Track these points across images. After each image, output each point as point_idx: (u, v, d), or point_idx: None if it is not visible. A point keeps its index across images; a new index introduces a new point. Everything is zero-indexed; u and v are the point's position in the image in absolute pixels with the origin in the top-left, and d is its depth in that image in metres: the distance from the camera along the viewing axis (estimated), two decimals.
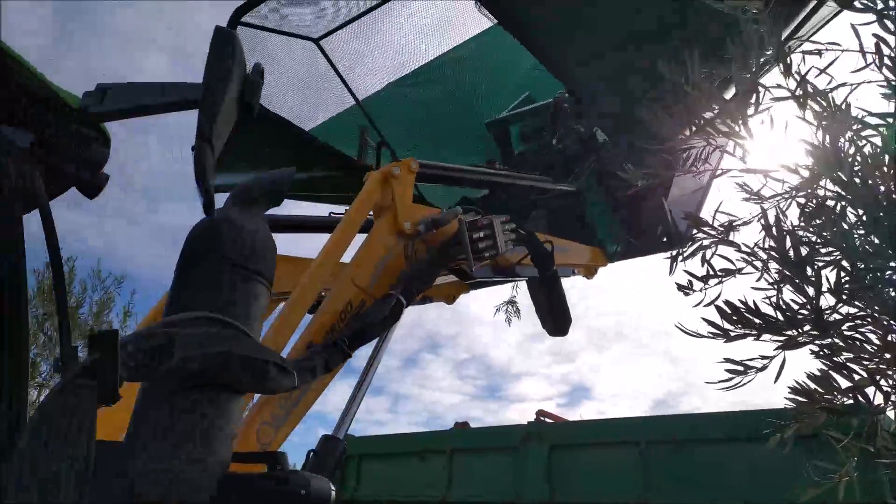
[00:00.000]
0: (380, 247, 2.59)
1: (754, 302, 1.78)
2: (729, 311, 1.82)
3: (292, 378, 1.68)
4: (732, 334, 1.84)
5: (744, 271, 1.94)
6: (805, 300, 1.72)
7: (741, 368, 1.81)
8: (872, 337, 1.65)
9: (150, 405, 1.46)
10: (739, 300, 1.81)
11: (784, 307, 1.75)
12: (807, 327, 1.72)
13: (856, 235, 1.67)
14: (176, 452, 1.40)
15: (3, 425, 1.44)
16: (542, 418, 5.85)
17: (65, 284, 1.59)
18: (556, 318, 3.47)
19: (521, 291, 6.22)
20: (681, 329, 1.92)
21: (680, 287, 2.23)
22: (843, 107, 1.65)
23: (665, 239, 4.39)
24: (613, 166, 4.31)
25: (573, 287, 3.70)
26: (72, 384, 1.20)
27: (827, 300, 1.70)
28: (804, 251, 1.73)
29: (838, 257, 1.70)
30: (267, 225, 1.76)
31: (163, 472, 1.38)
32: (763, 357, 1.81)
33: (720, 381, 1.84)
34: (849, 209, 1.68)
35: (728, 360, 1.82)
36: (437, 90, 5.78)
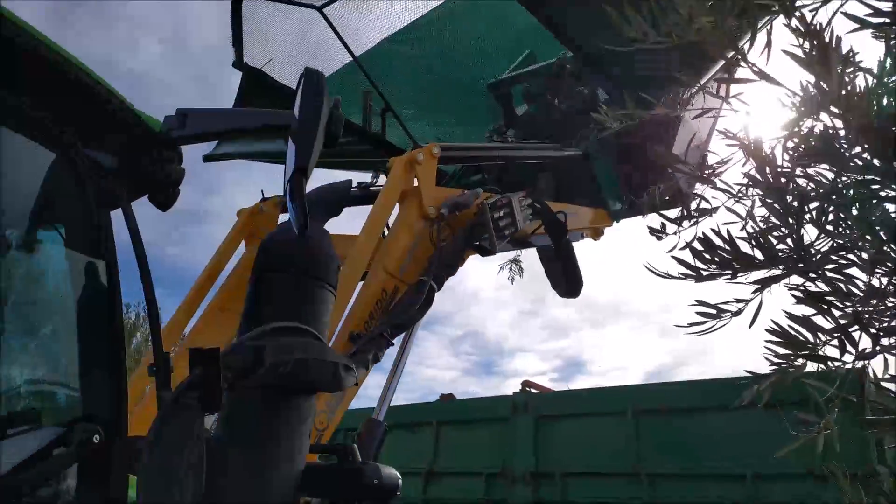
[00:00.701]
0: (408, 233, 2.71)
1: (728, 233, 1.63)
2: (701, 249, 1.67)
3: (354, 374, 1.85)
4: (705, 274, 1.68)
5: (720, 211, 1.79)
6: (786, 231, 1.56)
7: (714, 312, 1.67)
8: (859, 283, 1.52)
9: (239, 410, 1.62)
10: (713, 230, 1.64)
11: (762, 242, 1.59)
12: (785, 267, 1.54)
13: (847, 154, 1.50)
14: (270, 455, 1.57)
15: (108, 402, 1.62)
16: (528, 389, 5.81)
17: (154, 292, 1.73)
18: (569, 281, 3.63)
19: (524, 250, 6.35)
20: (650, 270, 1.82)
21: (652, 231, 2.13)
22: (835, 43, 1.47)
23: (668, 197, 4.52)
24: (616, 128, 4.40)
25: None
26: (182, 397, 1.36)
27: (809, 235, 1.56)
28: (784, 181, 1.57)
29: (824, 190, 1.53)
30: (329, 235, 1.89)
31: (259, 473, 1.56)
32: (739, 300, 1.67)
33: (691, 325, 1.71)
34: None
35: (700, 303, 1.68)
36: (434, 48, 5.75)
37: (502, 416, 5.30)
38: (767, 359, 1.67)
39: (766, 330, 1.58)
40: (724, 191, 1.75)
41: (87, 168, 1.74)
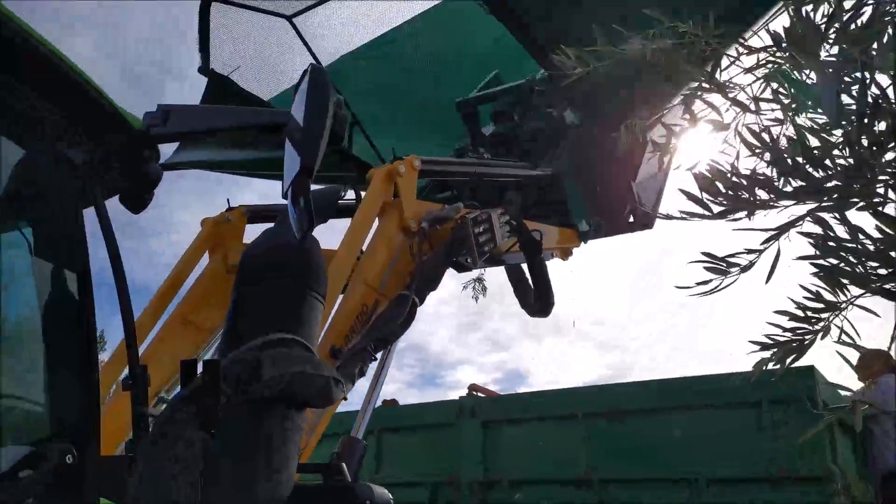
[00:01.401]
0: (388, 246, 2.64)
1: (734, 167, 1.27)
2: (711, 177, 1.40)
3: (343, 389, 1.76)
4: (718, 211, 1.40)
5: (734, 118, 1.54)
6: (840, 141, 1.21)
7: (722, 266, 1.44)
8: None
9: (227, 424, 1.51)
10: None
11: (791, 164, 1.24)
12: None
13: None
14: (260, 467, 1.47)
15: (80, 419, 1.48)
16: (474, 393, 5.64)
17: (129, 297, 1.61)
18: (542, 299, 3.61)
19: (489, 270, 6.26)
20: (664, 217, 1.60)
21: (656, 145, 2.03)
22: None
23: (632, 219, 4.59)
24: (585, 148, 4.46)
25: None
26: (177, 413, 1.25)
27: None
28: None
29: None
30: (318, 243, 1.81)
31: (249, 486, 1.45)
32: (750, 251, 1.41)
33: (694, 285, 1.49)
34: None
35: (708, 257, 1.46)
36: (397, 64, 5.73)
37: (448, 421, 5.11)
38: (759, 343, 1.44)
39: (801, 285, 1.33)
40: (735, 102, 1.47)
41: (61, 165, 1.61)
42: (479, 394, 5.59)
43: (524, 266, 3.66)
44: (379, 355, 2.47)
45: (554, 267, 3.98)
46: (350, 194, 3.18)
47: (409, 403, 6.02)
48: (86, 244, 1.66)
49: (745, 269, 1.42)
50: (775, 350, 1.45)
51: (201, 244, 3.15)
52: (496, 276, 5.45)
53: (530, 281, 3.70)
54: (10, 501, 1.33)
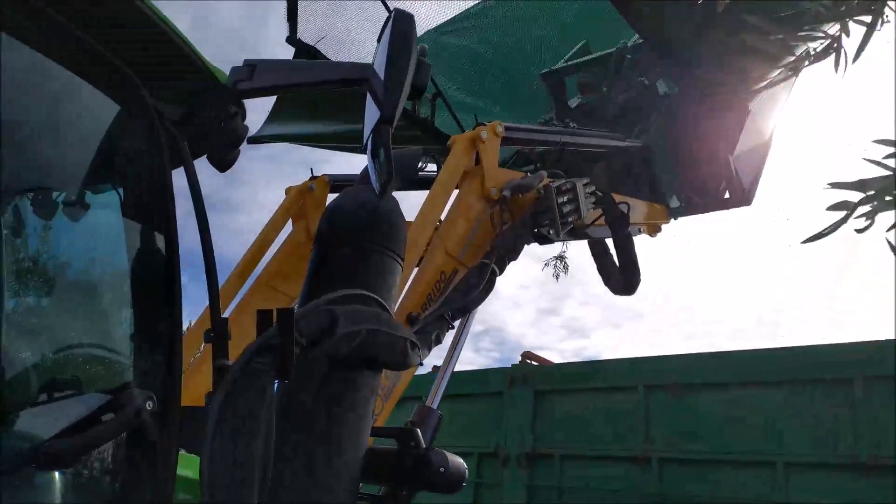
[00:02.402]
0: (469, 214, 2.57)
1: None
2: None
3: (419, 354, 1.71)
4: None
5: None
6: None
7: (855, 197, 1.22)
8: None
9: (300, 383, 1.49)
10: None
11: None
12: None
13: None
14: (335, 431, 1.44)
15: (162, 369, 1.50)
16: (528, 360, 5.16)
17: (212, 249, 1.61)
18: (627, 277, 3.45)
19: (570, 245, 6.00)
20: None
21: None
22: None
23: (728, 195, 4.33)
24: (678, 119, 4.22)
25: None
26: (252, 362, 1.23)
27: None
28: None
29: None
30: (399, 205, 1.76)
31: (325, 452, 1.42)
32: None
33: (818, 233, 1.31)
34: None
35: (837, 186, 1.29)
36: (482, 37, 5.63)
37: (497, 389, 4.77)
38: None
39: None
40: None
41: (155, 120, 1.62)
42: (534, 362, 5.16)
43: (609, 241, 3.50)
44: (457, 324, 2.42)
45: (641, 243, 3.78)
46: (431, 167, 3.13)
47: (461, 370, 5.77)
48: (174, 203, 1.67)
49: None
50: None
51: (285, 212, 3.19)
52: (578, 256, 5.26)
53: (615, 257, 3.55)
54: (91, 444, 1.36)
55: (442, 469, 1.56)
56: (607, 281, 3.74)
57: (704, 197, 4.24)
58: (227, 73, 1.67)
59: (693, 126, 4.14)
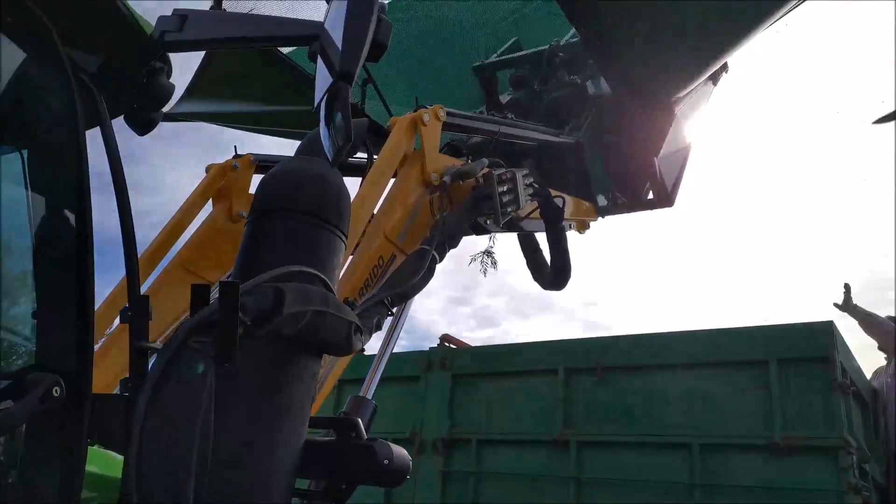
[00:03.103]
0: (408, 198, 2.48)
1: None
2: None
3: (362, 339, 1.59)
4: None
5: None
6: None
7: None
8: None
9: (243, 367, 1.35)
10: None
11: None
12: None
13: None
14: (274, 415, 1.31)
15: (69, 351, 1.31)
16: (446, 344, 5.00)
17: (132, 223, 1.44)
18: (557, 271, 3.45)
19: (498, 241, 5.90)
20: None
21: None
22: None
23: (651, 196, 4.43)
24: (608, 119, 4.28)
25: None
26: (188, 341, 1.08)
27: None
28: None
29: None
30: (342, 178, 1.64)
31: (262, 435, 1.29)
32: None
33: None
34: None
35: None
36: (413, 29, 5.54)
37: (414, 373, 4.63)
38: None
39: None
40: None
41: (68, 72, 1.42)
42: (452, 345, 5.00)
43: (540, 236, 3.50)
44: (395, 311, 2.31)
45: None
46: (361, 155, 3.00)
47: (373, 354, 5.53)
48: (87, 167, 1.48)
49: None
50: None
51: (205, 191, 2.98)
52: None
53: (545, 252, 3.55)
54: None
55: (387, 461, 1.46)
56: (537, 275, 3.74)
57: (630, 197, 4.32)
58: (154, 24, 1.51)
59: (621, 127, 4.22)
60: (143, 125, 1.64)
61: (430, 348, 4.83)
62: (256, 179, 3.22)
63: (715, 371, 3.68)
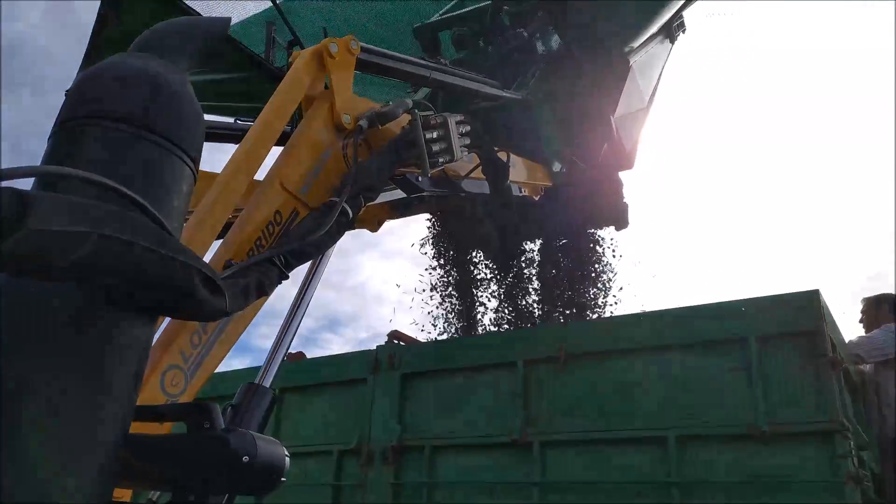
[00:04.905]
0: (314, 145, 2.05)
1: None
2: None
3: (223, 300, 1.18)
4: None
5: None
6: None
7: None
8: None
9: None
10: None
11: None
12: None
13: None
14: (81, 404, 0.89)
15: None
16: (395, 341, 4.50)
17: None
18: (505, 238, 3.08)
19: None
20: None
21: None
22: None
23: (611, 159, 4.09)
24: (559, 75, 3.92)
25: None
26: None
27: None
28: None
29: None
30: (191, 86, 1.22)
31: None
32: None
33: None
34: None
35: None
36: None
37: (360, 375, 4.14)
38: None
39: None
40: None
41: None
42: (402, 342, 4.50)
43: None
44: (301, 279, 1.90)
45: None
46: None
47: (319, 356, 4.79)
48: None
49: None
50: None
51: None
52: None
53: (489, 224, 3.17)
54: None
55: (246, 458, 1.05)
56: (485, 248, 3.36)
57: (586, 159, 3.97)
58: None
59: (573, 82, 3.86)
60: None
61: (377, 346, 4.28)
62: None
63: (689, 353, 3.20)
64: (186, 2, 3.45)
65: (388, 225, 2.88)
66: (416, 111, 2.23)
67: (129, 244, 0.92)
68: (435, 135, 2.32)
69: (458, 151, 2.44)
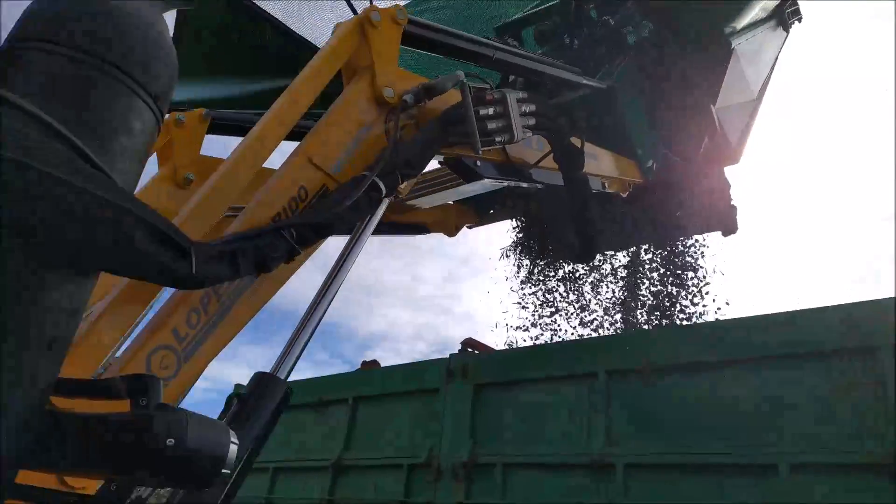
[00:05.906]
0: (352, 118, 1.88)
1: None
2: None
3: (188, 264, 1.00)
4: None
5: None
6: None
7: None
8: None
9: None
10: None
11: None
12: None
13: None
14: None
15: None
16: (469, 349, 4.19)
17: None
18: (581, 235, 2.76)
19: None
20: None
21: None
22: None
23: (712, 153, 3.67)
24: (651, 64, 3.58)
25: None
26: None
27: None
28: None
29: None
30: (167, 29, 1.09)
31: None
32: None
33: None
34: None
35: None
36: (457, 8, 5.08)
37: (431, 386, 3.91)
38: None
39: None
40: None
41: None
42: (476, 350, 4.18)
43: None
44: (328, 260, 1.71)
45: None
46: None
47: (394, 364, 4.61)
48: None
49: None
50: None
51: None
52: None
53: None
54: None
55: (171, 441, 0.85)
56: (559, 245, 3.06)
57: (684, 154, 3.57)
58: None
59: (667, 69, 3.50)
60: None
61: (451, 355, 4.01)
62: (211, 140, 2.73)
63: (799, 365, 2.68)
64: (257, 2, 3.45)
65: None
66: (468, 84, 2.00)
67: (56, 180, 0.77)
68: (491, 111, 2.08)
69: (520, 132, 2.18)
